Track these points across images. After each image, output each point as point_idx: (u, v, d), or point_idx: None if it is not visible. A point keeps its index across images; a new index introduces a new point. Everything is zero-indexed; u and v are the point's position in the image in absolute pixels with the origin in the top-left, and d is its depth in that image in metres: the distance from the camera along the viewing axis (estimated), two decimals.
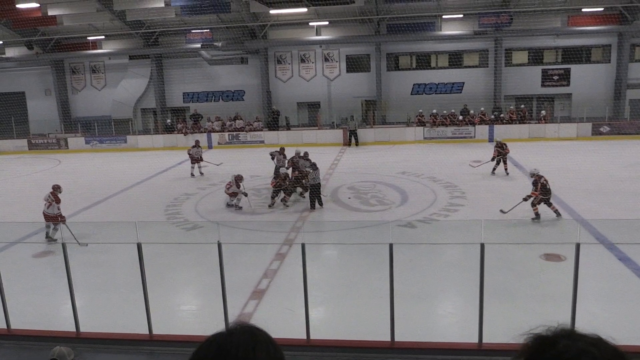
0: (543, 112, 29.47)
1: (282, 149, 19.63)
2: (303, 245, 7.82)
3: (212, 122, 31.38)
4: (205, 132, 30.96)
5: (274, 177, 17.50)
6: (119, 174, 22.86)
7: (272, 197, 16.38)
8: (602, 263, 10.88)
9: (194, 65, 34.25)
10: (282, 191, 16.45)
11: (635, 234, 12.44)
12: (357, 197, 17.27)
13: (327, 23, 31.22)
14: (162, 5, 28.18)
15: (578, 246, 7.31)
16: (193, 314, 9.80)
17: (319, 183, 16.10)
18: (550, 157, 22.17)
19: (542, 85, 31.26)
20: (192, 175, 21.84)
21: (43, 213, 13.50)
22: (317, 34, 31.97)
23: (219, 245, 7.80)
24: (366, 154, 25.74)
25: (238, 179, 16.36)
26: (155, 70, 34.35)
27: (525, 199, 13.78)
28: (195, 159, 21.88)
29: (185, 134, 30.75)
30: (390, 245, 7.58)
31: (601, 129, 27.98)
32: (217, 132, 30.88)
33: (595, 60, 31.04)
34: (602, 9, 28.79)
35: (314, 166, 16.30)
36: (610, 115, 29.86)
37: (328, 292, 10.23)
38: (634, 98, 30.32)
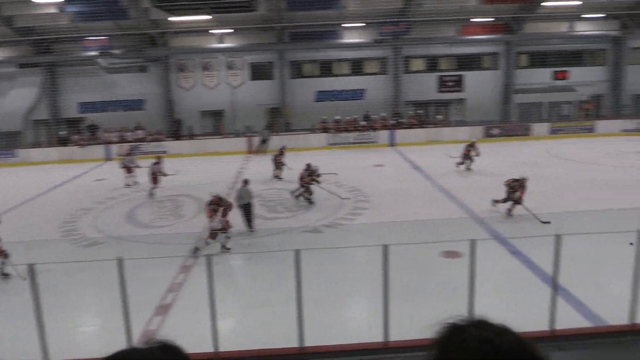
0: (439, 116, 30.98)
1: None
2: (208, 257, 7.67)
3: (110, 133, 30.08)
4: (102, 143, 29.61)
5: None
6: (9, 190, 21.35)
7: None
8: (496, 257, 11.54)
9: (90, 74, 32.68)
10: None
11: (525, 229, 13.30)
12: (263, 204, 17.21)
13: (230, 31, 30.98)
14: (55, 11, 26.72)
15: (473, 242, 7.70)
16: (93, 335, 9.32)
17: (249, 203, 14.26)
18: (447, 159, 23.23)
19: (439, 91, 32.82)
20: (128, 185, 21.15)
21: None
22: (220, 41, 31.63)
23: (120, 261, 7.47)
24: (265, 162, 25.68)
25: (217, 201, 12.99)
26: (49, 79, 32.47)
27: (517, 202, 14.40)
28: (128, 168, 21.14)
29: (82, 145, 29.27)
30: (297, 252, 7.61)
31: (492, 131, 29.76)
32: (116, 143, 29.64)
33: (485, 67, 33.06)
34: (491, 19, 30.74)
35: (244, 182, 14.78)
36: (500, 118, 31.88)
37: (236, 303, 10.10)
38: (520, 102, 32.62)
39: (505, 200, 14.66)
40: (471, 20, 30.75)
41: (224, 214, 12.67)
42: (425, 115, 31.41)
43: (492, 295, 9.90)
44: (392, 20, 30.23)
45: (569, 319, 8.85)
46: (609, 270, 10.91)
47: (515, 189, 14.43)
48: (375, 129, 29.62)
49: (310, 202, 16.95)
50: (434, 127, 30.21)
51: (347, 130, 29.55)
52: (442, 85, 32.87)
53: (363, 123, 29.94)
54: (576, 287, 9.97)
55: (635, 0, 30.06)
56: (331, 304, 9.85)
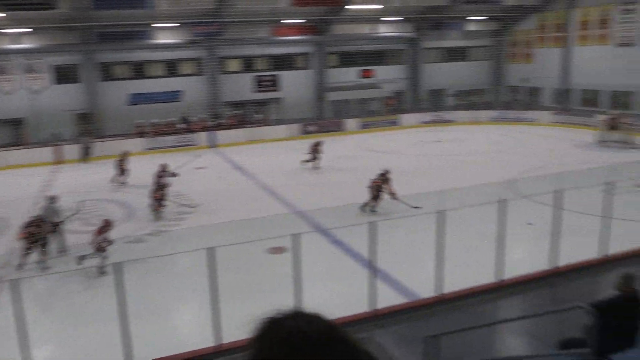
0: (259, 115, 31.51)
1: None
2: (13, 282, 6.95)
3: None
4: None
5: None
6: None
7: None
8: (319, 248, 12.09)
9: None
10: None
11: (343, 219, 14.11)
12: (78, 217, 15.96)
13: (28, 30, 28.08)
14: None
15: (296, 236, 7.98)
16: None
17: (57, 222, 12.93)
18: (268, 156, 23.75)
19: (256, 91, 33.34)
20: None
21: None
22: (16, 42, 28.54)
23: None
24: (85, 171, 23.93)
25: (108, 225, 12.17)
26: None
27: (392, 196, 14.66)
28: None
29: None
30: (117, 265, 7.23)
31: (309, 128, 31.04)
32: None
33: (299, 67, 34.35)
34: (302, 20, 31.99)
35: (50, 199, 13.37)
36: (315, 115, 33.39)
37: (52, 328, 9.27)
38: (333, 99, 34.49)
39: (374, 199, 14.88)
40: (283, 21, 31.72)
41: (102, 232, 11.68)
42: (245, 115, 31.71)
43: (319, 285, 10.35)
44: (204, 20, 29.93)
45: (388, 298, 9.61)
46: (419, 249, 12.03)
47: (381, 187, 14.86)
48: (194, 131, 29.11)
49: (159, 213, 15.77)
50: (253, 126, 30.60)
51: (165, 134, 28.62)
52: (259, 85, 33.45)
53: (181, 125, 29.25)
54: (392, 268, 10.85)
55: (426, 5, 33.45)
56: (159, 314, 9.52)
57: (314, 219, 14.32)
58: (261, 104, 33.61)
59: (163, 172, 16.93)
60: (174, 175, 17.54)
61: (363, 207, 14.82)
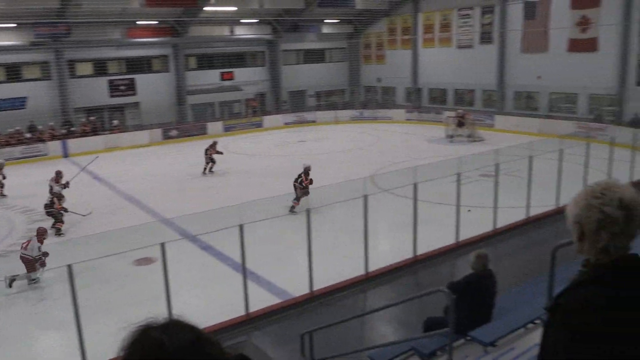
0: (115, 121, 29.91)
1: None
2: None
3: None
4: None
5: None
6: None
7: None
8: (189, 256, 11.79)
9: None
10: None
11: (212, 223, 13.87)
12: None
13: None
14: None
15: (163, 245, 7.71)
16: None
17: None
18: (130, 164, 22.67)
19: (111, 96, 31.56)
20: None
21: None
22: None
23: None
24: None
25: (42, 233, 11.49)
26: None
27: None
28: None
29: None
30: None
31: (170, 133, 30.13)
32: None
33: (156, 70, 33.11)
34: (156, 22, 30.85)
35: None
36: (176, 119, 32.39)
37: None
38: (194, 103, 33.71)
39: (298, 199, 15.19)
40: (137, 22, 30.38)
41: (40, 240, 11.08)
42: (100, 121, 29.95)
43: (190, 293, 10.11)
44: (48, 21, 27.77)
45: (263, 299, 9.63)
46: (290, 249, 12.19)
47: (303, 184, 15.21)
48: (43, 141, 26.93)
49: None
50: (110, 133, 29.02)
51: (9, 144, 26.15)
52: (114, 89, 31.68)
53: (28, 135, 26.90)
54: (264, 269, 10.89)
55: (283, 8, 33.92)
56: (21, 341, 8.71)
57: (182, 226, 13.92)
58: (117, 109, 31.90)
59: (56, 182, 16.06)
60: (65, 186, 16.41)
61: (292, 208, 15.01)
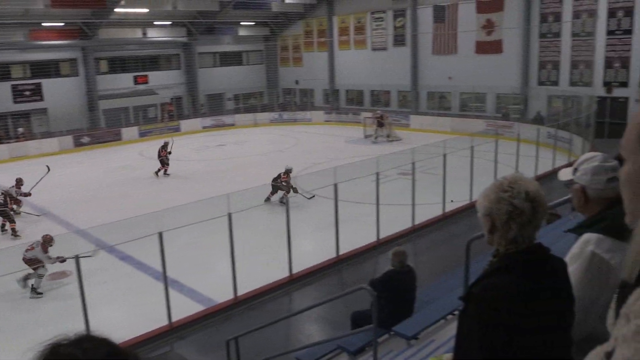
0: (20, 129, 28.24)
1: None
2: None
3: None
4: None
5: None
6: None
7: None
8: (106, 267, 11.33)
9: None
10: None
11: (130, 232, 13.43)
12: None
13: None
14: None
15: (77, 258, 7.38)
16: None
17: None
18: (39, 174, 21.43)
19: (15, 102, 29.73)
20: None
21: None
22: None
23: None
24: None
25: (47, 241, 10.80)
26: None
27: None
28: None
29: None
30: None
31: (82, 140, 28.83)
32: None
33: (65, 74, 31.52)
34: (62, 23, 29.38)
35: None
36: (88, 126, 30.99)
37: None
38: (106, 108, 32.34)
39: (272, 194, 16.26)
40: (42, 24, 28.82)
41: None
42: (3, 129, 28.17)
43: (110, 306, 9.73)
44: None
45: (187, 308, 9.42)
46: (212, 254, 11.99)
47: (280, 183, 15.99)
48: None
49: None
50: (15, 141, 27.37)
51: None
52: (18, 95, 29.85)
53: None
54: (187, 277, 10.66)
55: (197, 10, 33.32)
56: None
57: (98, 237, 13.35)
58: (22, 116, 30.10)
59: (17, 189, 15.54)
60: (26, 195, 15.89)
61: (267, 199, 16.20)
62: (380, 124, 27.14)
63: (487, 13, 28.17)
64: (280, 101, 39.07)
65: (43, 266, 10.57)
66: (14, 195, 15.45)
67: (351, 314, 6.86)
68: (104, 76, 32.68)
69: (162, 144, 21.23)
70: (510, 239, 1.80)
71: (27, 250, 10.71)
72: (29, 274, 10.60)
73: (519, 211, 1.75)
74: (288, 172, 16.42)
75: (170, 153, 20.95)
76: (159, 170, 20.89)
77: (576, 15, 25.07)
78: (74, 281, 8.01)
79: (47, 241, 10.79)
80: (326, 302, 7.54)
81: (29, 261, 10.52)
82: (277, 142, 28.01)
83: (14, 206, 15.45)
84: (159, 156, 20.87)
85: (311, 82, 37.88)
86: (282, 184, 16.13)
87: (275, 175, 16.51)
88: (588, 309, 1.97)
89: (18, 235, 14.21)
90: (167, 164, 20.94)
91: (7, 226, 14.63)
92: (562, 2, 25.59)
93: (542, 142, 19.21)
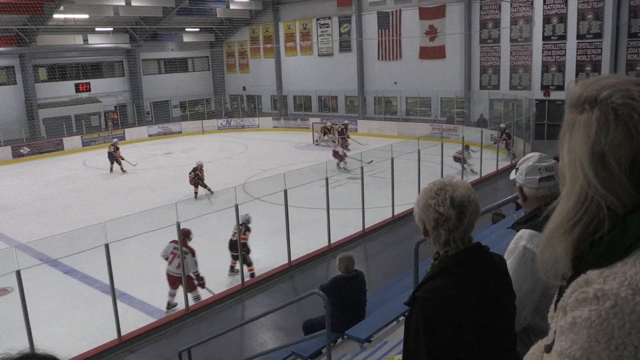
0: None
1: None
2: None
3: None
4: None
5: None
6: None
7: None
8: (50, 282, 10.95)
9: None
10: None
11: (74, 245, 13.00)
12: None
13: None
14: None
15: (19, 273, 7.11)
16: None
17: None
18: None
19: None
20: None
21: None
22: None
23: None
24: None
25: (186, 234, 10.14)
26: None
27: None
28: None
29: None
30: None
31: (21, 151, 27.76)
32: None
33: (1, 82, 30.25)
34: None
35: None
36: (27, 136, 29.85)
37: None
38: (47, 117, 31.18)
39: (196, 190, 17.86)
40: None
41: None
42: None
43: (55, 322, 9.39)
44: None
45: (136, 320, 9.20)
46: (162, 265, 11.74)
47: (196, 179, 17.81)
48: None
49: None
50: None
51: None
52: None
53: None
54: (136, 289, 10.41)
55: (140, 16, 32.65)
56: None
57: (40, 251, 12.86)
58: None
59: None
60: None
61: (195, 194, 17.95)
62: (325, 132, 27.39)
63: (429, 19, 28.84)
64: (228, 108, 38.75)
65: (195, 289, 9.98)
66: None
67: (303, 323, 6.85)
68: (44, 84, 31.54)
69: (112, 147, 22.71)
70: (442, 243, 1.86)
71: (174, 265, 10.02)
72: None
73: (444, 218, 1.81)
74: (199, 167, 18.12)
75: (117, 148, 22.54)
76: (122, 167, 22.46)
77: (514, 21, 26.02)
78: (16, 297, 7.70)
79: (186, 234, 10.19)
80: (279, 309, 7.53)
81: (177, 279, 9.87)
82: (225, 149, 27.76)
83: None
84: (113, 157, 22.16)
85: (258, 88, 37.74)
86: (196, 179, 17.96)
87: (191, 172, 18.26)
88: (523, 302, 2.06)
89: None
90: (119, 162, 22.34)
91: None
92: (500, 9, 26.50)
93: (485, 144, 19.81)
